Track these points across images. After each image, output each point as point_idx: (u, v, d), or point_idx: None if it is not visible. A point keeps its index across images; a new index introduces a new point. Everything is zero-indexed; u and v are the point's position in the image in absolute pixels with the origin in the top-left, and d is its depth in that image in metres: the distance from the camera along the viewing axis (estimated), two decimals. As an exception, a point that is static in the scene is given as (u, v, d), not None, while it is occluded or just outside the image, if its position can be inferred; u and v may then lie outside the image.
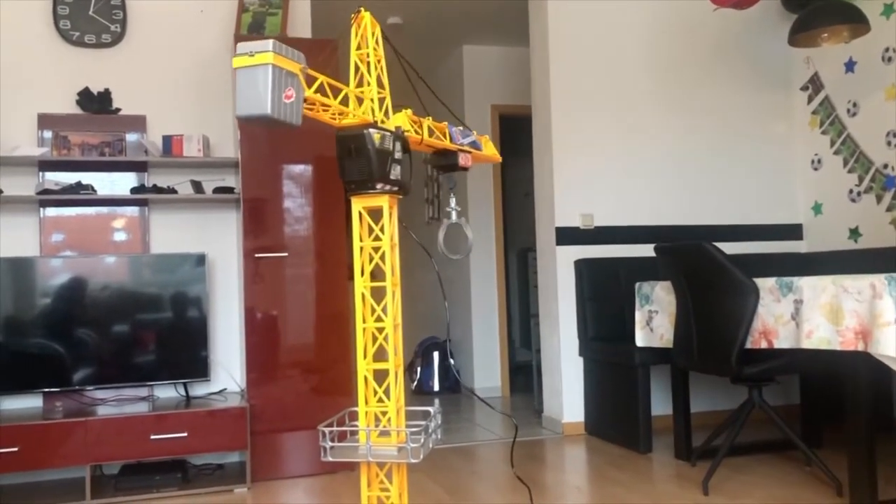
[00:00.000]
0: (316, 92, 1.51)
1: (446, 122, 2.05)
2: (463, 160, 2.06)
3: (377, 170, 1.61)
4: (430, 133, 1.95)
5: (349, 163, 1.64)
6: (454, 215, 2.13)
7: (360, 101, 1.66)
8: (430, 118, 1.97)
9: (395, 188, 1.68)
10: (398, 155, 1.66)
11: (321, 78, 1.53)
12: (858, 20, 3.63)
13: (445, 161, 2.07)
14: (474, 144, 2.13)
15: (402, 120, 1.78)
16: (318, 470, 3.58)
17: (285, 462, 3.53)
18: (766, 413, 3.29)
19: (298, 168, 3.66)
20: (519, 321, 7.32)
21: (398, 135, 1.71)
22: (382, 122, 1.72)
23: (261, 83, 1.39)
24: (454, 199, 2.15)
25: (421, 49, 5.95)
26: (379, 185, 1.62)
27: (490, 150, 2.24)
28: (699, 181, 4.59)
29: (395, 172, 1.65)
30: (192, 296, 3.65)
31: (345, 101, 1.59)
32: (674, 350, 3.42)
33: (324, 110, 1.57)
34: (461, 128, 2.13)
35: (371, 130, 1.62)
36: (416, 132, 1.84)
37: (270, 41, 1.41)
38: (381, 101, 1.74)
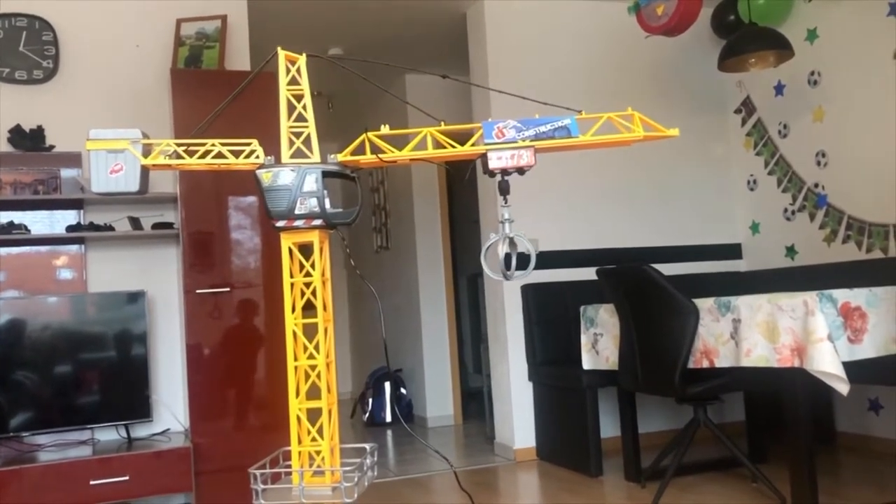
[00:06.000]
0: (171, 156, 1.66)
1: (480, 122, 1.79)
2: (501, 161, 1.72)
3: (271, 208, 1.63)
4: (437, 145, 1.74)
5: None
6: (507, 227, 1.80)
7: (298, 135, 1.68)
8: (443, 123, 1.80)
9: (318, 222, 1.66)
10: (308, 188, 1.64)
11: (165, 142, 1.67)
12: (783, 46, 3.75)
13: (483, 165, 1.78)
14: (560, 132, 1.73)
15: (348, 149, 1.75)
16: (267, 508, 3.50)
17: (232, 502, 3.45)
18: (711, 431, 3.33)
19: (244, 200, 3.62)
20: (471, 347, 7.31)
21: (322, 168, 1.69)
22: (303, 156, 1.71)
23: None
24: (507, 211, 1.82)
25: (363, 79, 5.97)
26: (280, 223, 1.63)
27: (637, 129, 1.82)
28: (640, 204, 4.67)
29: (307, 206, 1.64)
30: (132, 334, 3.56)
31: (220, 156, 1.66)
32: (619, 372, 3.45)
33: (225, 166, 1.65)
34: (538, 116, 1.75)
35: (259, 171, 1.66)
36: (376, 153, 1.72)
37: (91, 130, 1.67)
38: (299, 134, 1.73)
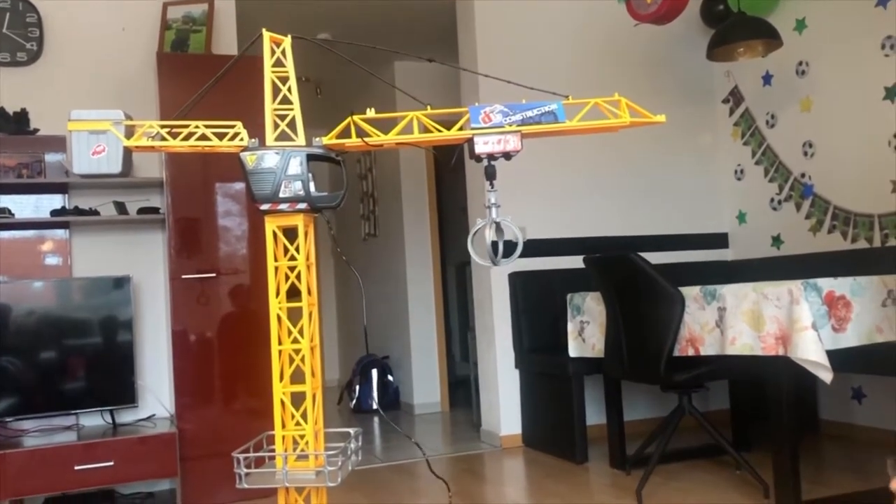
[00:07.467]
0: (155, 137, 1.68)
1: (468, 106, 1.75)
2: (487, 146, 1.70)
3: (255, 191, 1.62)
4: (423, 130, 1.71)
5: None
6: (494, 212, 1.77)
7: (282, 117, 1.67)
8: (429, 107, 1.76)
9: (303, 206, 1.65)
10: (293, 171, 1.63)
11: (147, 124, 1.68)
12: (771, 35, 3.76)
13: (470, 150, 1.77)
14: (546, 117, 1.72)
15: (333, 132, 1.73)
16: (252, 495, 3.50)
17: (218, 488, 3.45)
18: (696, 419, 3.35)
19: (232, 186, 3.59)
20: (458, 335, 7.33)
21: (307, 151, 1.68)
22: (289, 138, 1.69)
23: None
24: (494, 196, 1.79)
25: (353, 64, 5.94)
26: (265, 206, 1.62)
27: (624, 115, 1.78)
28: (628, 193, 4.68)
29: (291, 189, 1.63)
30: (117, 320, 3.54)
31: (203, 138, 1.68)
32: (605, 360, 3.46)
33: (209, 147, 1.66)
34: (525, 101, 1.75)
35: (243, 154, 1.66)
36: (361, 136, 1.71)
37: (73, 111, 1.72)
38: (283, 117, 1.72)
